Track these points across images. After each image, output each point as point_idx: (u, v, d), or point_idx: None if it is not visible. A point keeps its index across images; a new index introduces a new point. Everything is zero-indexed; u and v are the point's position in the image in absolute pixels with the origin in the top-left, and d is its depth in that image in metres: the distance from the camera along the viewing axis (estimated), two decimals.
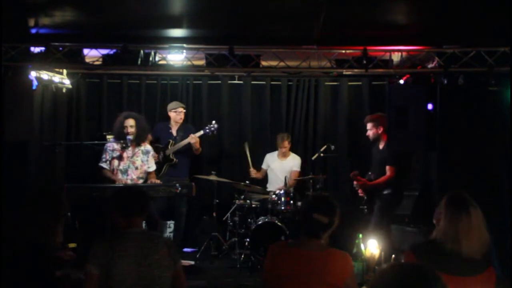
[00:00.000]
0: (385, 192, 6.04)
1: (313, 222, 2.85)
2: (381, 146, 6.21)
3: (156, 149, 6.84)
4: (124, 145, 6.13)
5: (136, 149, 6.19)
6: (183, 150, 7.03)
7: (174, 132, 7.17)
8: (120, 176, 6.07)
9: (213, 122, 7.00)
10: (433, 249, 2.77)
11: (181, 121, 7.17)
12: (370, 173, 6.24)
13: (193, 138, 6.90)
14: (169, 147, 7.06)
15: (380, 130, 6.16)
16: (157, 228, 5.95)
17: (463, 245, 2.71)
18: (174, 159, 7.03)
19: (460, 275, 2.62)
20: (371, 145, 6.36)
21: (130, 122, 6.13)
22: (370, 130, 6.23)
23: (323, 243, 2.89)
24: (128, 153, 6.15)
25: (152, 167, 6.28)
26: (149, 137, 6.75)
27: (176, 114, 7.11)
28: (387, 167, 6.05)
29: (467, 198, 2.84)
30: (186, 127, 7.20)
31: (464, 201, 2.82)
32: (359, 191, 6.26)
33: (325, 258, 2.82)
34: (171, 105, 7.20)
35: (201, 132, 6.97)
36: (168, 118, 7.25)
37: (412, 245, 2.89)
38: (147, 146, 6.30)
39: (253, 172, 7.24)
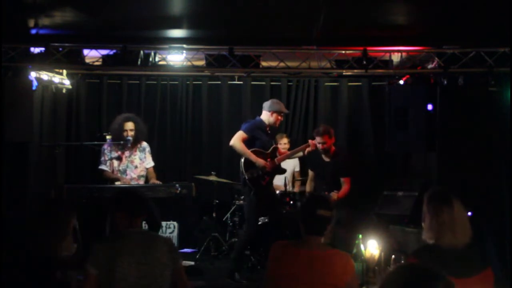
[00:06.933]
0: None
1: (318, 218, 2.91)
2: (327, 159, 6.08)
3: (262, 155, 5.82)
4: (121, 146, 6.14)
5: (133, 149, 6.21)
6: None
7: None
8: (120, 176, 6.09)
9: None
10: (429, 253, 2.77)
11: (276, 126, 6.14)
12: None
13: (312, 145, 6.06)
14: (276, 154, 6.02)
15: (333, 141, 6.07)
16: (157, 231, 5.92)
17: (447, 238, 2.72)
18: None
19: (457, 277, 2.61)
20: (313, 157, 6.16)
21: (130, 125, 6.15)
22: (326, 142, 5.95)
23: (324, 242, 2.92)
24: (126, 153, 6.18)
25: (151, 163, 6.29)
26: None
27: (281, 117, 6.00)
28: (343, 179, 5.99)
29: (448, 192, 2.85)
30: None
31: (445, 195, 2.84)
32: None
33: (326, 258, 2.83)
34: (278, 106, 5.92)
35: None
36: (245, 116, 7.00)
37: (414, 251, 2.89)
38: (143, 143, 6.32)
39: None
